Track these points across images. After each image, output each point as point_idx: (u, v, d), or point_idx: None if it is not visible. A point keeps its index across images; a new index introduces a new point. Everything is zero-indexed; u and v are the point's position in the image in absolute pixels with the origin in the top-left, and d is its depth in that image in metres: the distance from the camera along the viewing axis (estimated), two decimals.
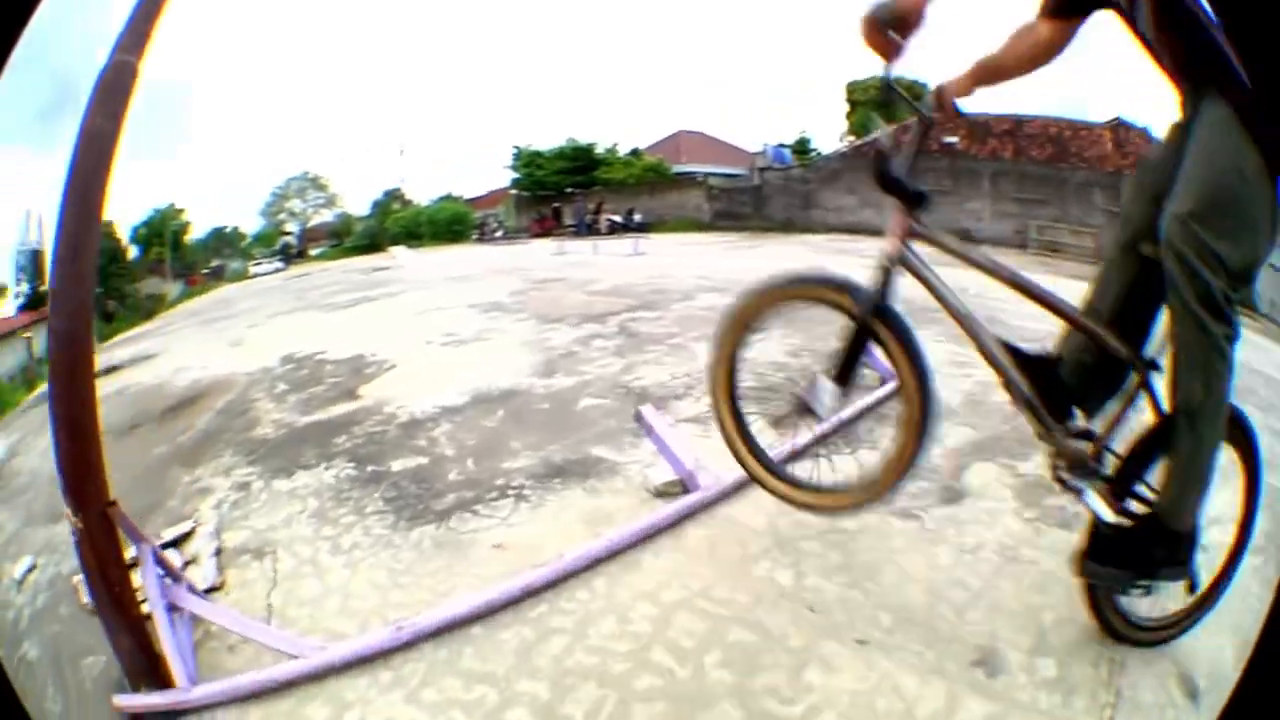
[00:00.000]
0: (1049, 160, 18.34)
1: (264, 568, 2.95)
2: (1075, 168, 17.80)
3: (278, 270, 34.31)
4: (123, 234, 33.28)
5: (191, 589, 2.63)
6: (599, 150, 29.28)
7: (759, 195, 23.12)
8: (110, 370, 9.63)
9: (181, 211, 40.21)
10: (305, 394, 5.15)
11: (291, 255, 46.23)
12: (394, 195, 46.56)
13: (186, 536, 3.28)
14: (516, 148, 29.85)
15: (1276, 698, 1.21)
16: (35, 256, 28.63)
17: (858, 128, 25.67)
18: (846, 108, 27.46)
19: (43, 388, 13.19)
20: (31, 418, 8.01)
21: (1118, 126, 18.67)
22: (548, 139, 29.75)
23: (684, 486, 3.08)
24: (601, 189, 27.74)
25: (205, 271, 42.18)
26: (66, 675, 2.55)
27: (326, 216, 52.11)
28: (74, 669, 2.55)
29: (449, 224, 31.65)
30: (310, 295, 12.54)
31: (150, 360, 9.60)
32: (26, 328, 25.78)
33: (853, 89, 27.13)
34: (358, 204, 52.33)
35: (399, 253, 26.97)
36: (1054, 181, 17.40)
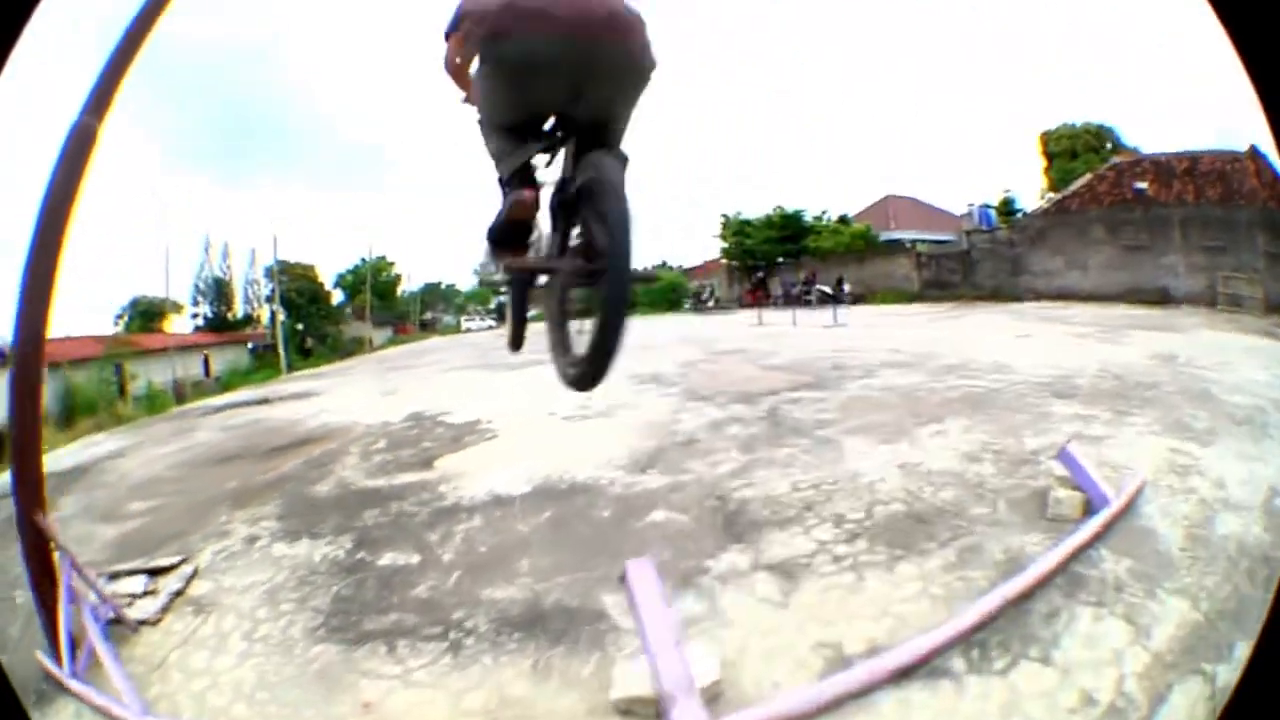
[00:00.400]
0: (1220, 200, 16.61)
1: (191, 623, 3.00)
2: (1240, 206, 16.20)
3: (489, 327, 38.46)
4: (325, 279, 40.23)
5: (107, 614, 3.01)
6: (807, 218, 30.13)
7: (967, 262, 23.01)
8: (261, 401, 10.65)
9: (392, 264, 46.61)
10: (392, 455, 5.05)
11: (505, 314, 51.02)
12: None
13: (167, 569, 3.51)
14: (724, 216, 31.57)
15: (1277, 697, 1.21)
16: (218, 284, 34.68)
17: (1057, 182, 24.43)
18: (1043, 161, 26.16)
19: (195, 403, 15.02)
20: (161, 429, 8.87)
21: (1254, 156, 16.60)
22: (759, 206, 30.85)
23: (657, 711, 2.06)
24: (810, 258, 28.57)
25: (420, 321, 48.15)
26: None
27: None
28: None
29: (664, 292, 32.42)
30: (493, 354, 12.82)
31: (305, 398, 10.06)
32: (205, 346, 31.22)
33: (1047, 139, 25.79)
34: None
35: None
36: (1228, 225, 15.68)
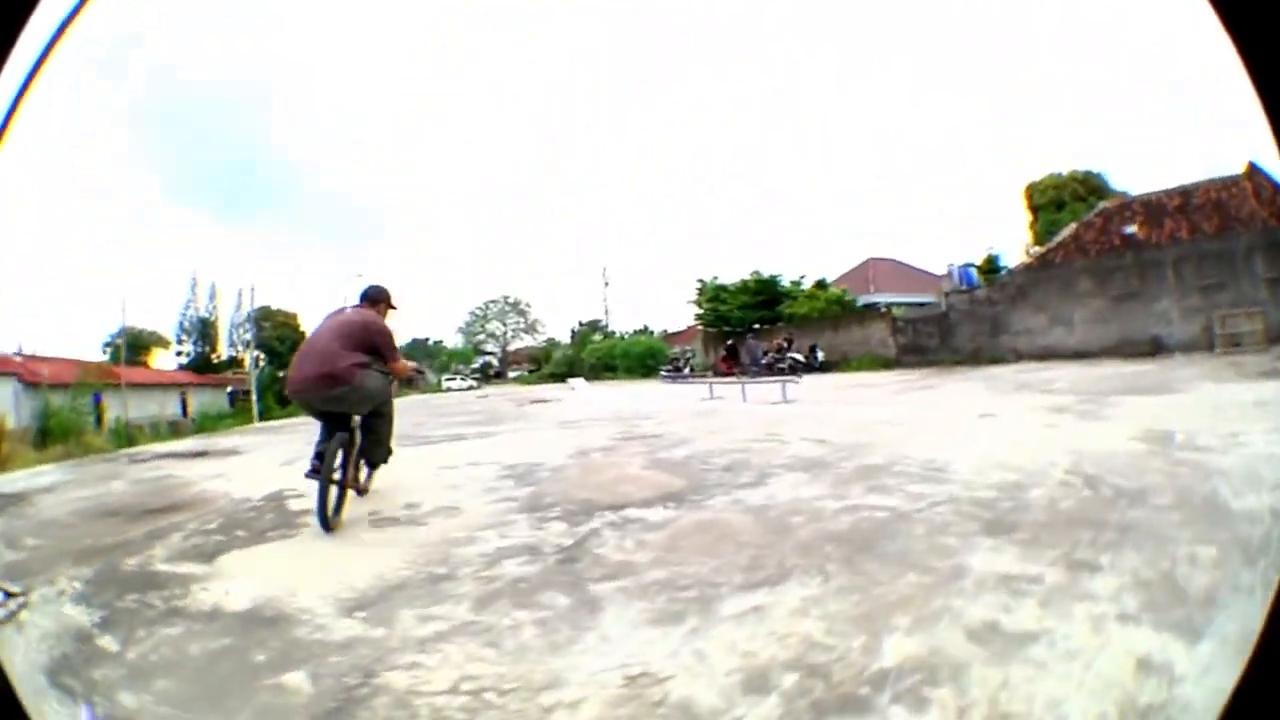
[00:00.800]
0: (1218, 231, 15.47)
1: None
2: (1238, 233, 14.98)
3: (470, 388, 38.13)
4: (309, 328, 39.06)
5: None
6: (784, 283, 29.24)
7: (945, 325, 21.71)
8: (198, 454, 10.61)
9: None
10: (205, 539, 4.53)
11: (490, 375, 51.10)
12: (594, 326, 50.42)
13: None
14: (700, 281, 30.87)
15: (1277, 697, 1.23)
16: (203, 325, 34.32)
17: (1041, 235, 23.43)
18: (1028, 216, 25.25)
19: (145, 446, 15.12)
20: (96, 470, 9.10)
21: (1253, 174, 15.46)
22: (740, 271, 30.22)
23: None
24: (786, 324, 27.53)
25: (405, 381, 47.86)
26: None
27: (528, 340, 57.87)
28: None
29: (641, 358, 32.49)
30: (431, 423, 13.01)
31: (225, 456, 9.98)
32: (184, 385, 30.81)
33: (1032, 191, 24.95)
34: (558, 330, 57.79)
35: (577, 384, 28.53)
36: (1225, 257, 14.49)
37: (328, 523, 4.43)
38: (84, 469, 9.59)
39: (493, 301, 59.08)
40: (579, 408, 15.01)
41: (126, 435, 21.13)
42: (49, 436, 18.54)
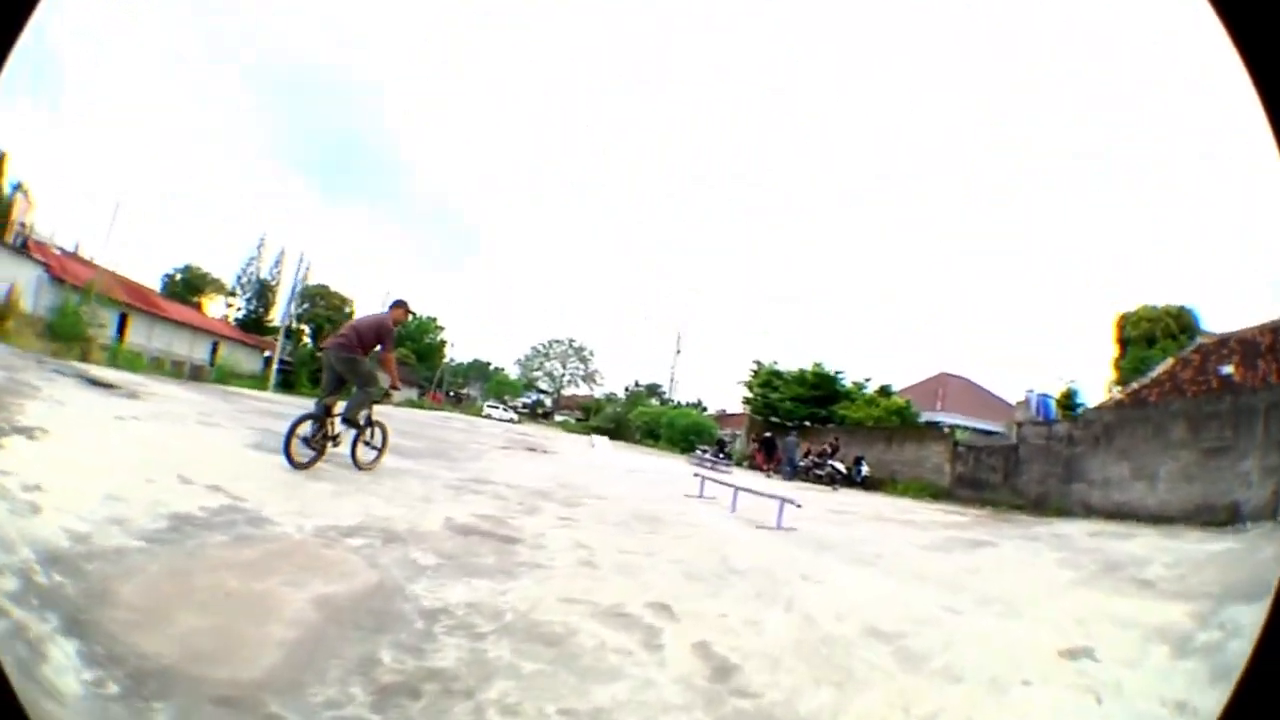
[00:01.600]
0: None
1: None
2: None
3: (510, 420, 37.21)
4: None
5: None
6: (844, 382, 26.37)
7: (1013, 458, 18.17)
8: (134, 395, 10.16)
9: (441, 329, 45.95)
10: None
11: (538, 413, 49.92)
12: (652, 389, 48.84)
13: None
14: (757, 363, 28.61)
15: (1277, 697, 1.24)
16: (262, 286, 34.28)
17: (1127, 371, 19.54)
18: (1115, 349, 21.36)
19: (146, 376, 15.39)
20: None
21: None
22: (802, 362, 27.87)
23: None
24: (836, 427, 24.57)
25: (454, 393, 47.29)
26: None
27: (584, 389, 56.49)
28: None
29: (686, 431, 31.09)
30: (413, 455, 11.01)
31: (163, 402, 10.08)
32: (222, 336, 31.04)
33: (1124, 321, 21.14)
34: (617, 385, 56.12)
35: (598, 442, 27.42)
36: None
37: (290, 455, 6.40)
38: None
39: (557, 342, 58.76)
40: (554, 466, 13.43)
41: (129, 359, 21.39)
42: (55, 333, 18.92)
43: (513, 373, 58.95)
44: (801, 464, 24.11)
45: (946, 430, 21.16)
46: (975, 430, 22.58)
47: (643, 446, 31.48)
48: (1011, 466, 18.14)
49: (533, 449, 18.17)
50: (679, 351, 55.12)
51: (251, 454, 7.22)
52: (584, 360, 57.86)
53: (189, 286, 33.58)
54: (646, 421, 35.11)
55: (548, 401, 55.41)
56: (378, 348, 7.11)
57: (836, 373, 26.58)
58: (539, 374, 58.41)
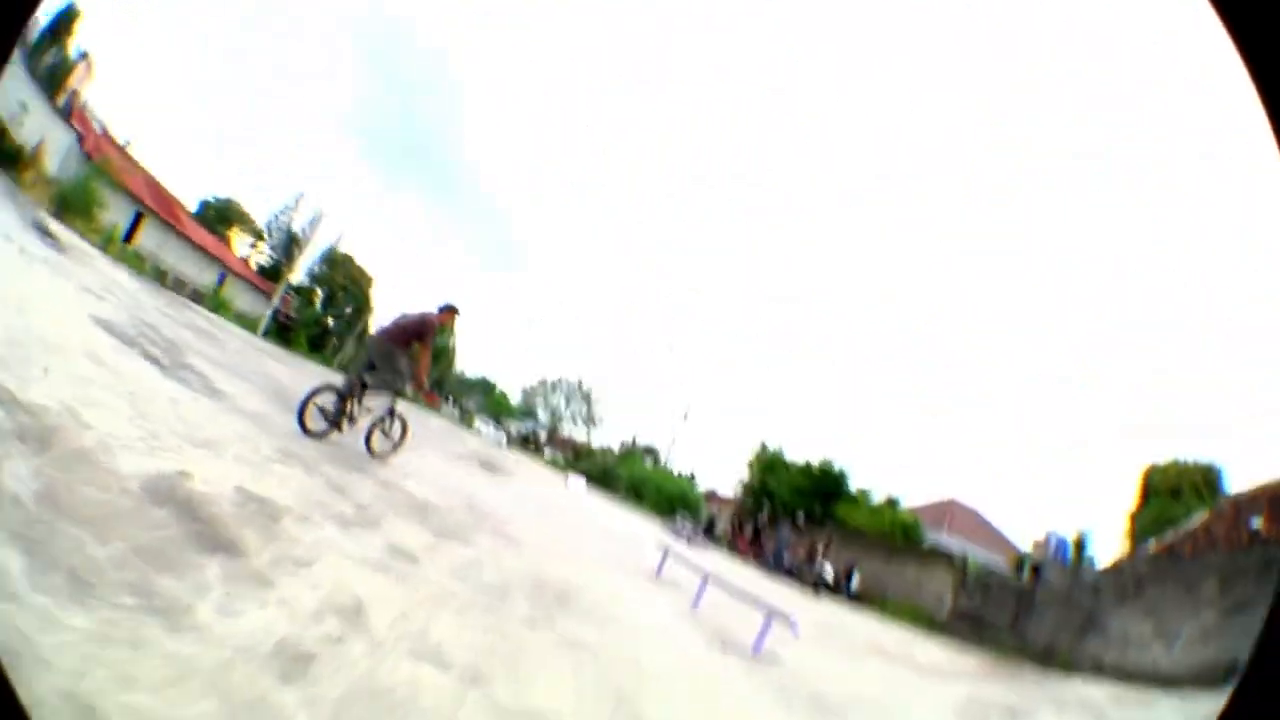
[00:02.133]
0: None
1: None
2: None
3: (496, 441, 36.58)
4: (374, 296, 37.93)
5: None
6: (850, 484, 25.04)
7: (1025, 601, 16.72)
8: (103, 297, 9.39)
9: (452, 333, 45.59)
10: None
11: (529, 443, 49.05)
12: (648, 450, 47.93)
13: None
14: (762, 444, 27.40)
15: (1277, 697, 1.28)
16: (289, 238, 33.95)
17: (1147, 523, 18.17)
18: (1136, 501, 20.02)
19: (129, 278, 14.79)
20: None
21: None
22: (809, 455, 26.70)
23: None
24: (833, 528, 23.15)
25: (449, 398, 46.79)
26: None
27: (581, 430, 55.80)
28: None
29: (670, 497, 30.04)
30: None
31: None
32: (231, 271, 30.32)
33: (1151, 474, 19.93)
34: (611, 436, 55.54)
35: (574, 483, 26.57)
36: None
37: (304, 421, 6.52)
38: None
39: (566, 380, 58.48)
40: (494, 489, 11.39)
41: (131, 258, 21.53)
42: (64, 201, 19.09)
43: (515, 398, 59.11)
44: (787, 563, 22.72)
45: (957, 558, 19.64)
46: (985, 564, 21.03)
47: (624, 503, 30.26)
48: (1023, 609, 16.65)
49: (492, 467, 16.58)
50: (685, 418, 54.28)
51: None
52: (588, 402, 57.28)
53: (221, 217, 33.41)
54: (634, 478, 33.97)
55: (542, 434, 54.61)
56: (416, 343, 7.32)
57: (843, 471, 25.34)
58: (540, 405, 58.00)
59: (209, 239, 29.67)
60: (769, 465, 26.46)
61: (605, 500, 25.66)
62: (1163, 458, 20.66)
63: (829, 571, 21.45)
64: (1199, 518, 14.86)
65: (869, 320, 73.60)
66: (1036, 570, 17.89)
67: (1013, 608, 17.00)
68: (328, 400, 6.73)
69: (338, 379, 7.53)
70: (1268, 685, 1.29)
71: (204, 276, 27.41)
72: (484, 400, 54.42)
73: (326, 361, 26.93)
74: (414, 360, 7.29)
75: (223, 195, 34.69)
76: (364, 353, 7.62)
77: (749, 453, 28.44)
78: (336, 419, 6.78)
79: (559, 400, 57.44)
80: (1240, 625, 11.26)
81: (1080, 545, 19.56)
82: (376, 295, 36.69)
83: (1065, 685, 12.64)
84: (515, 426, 49.57)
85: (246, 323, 25.19)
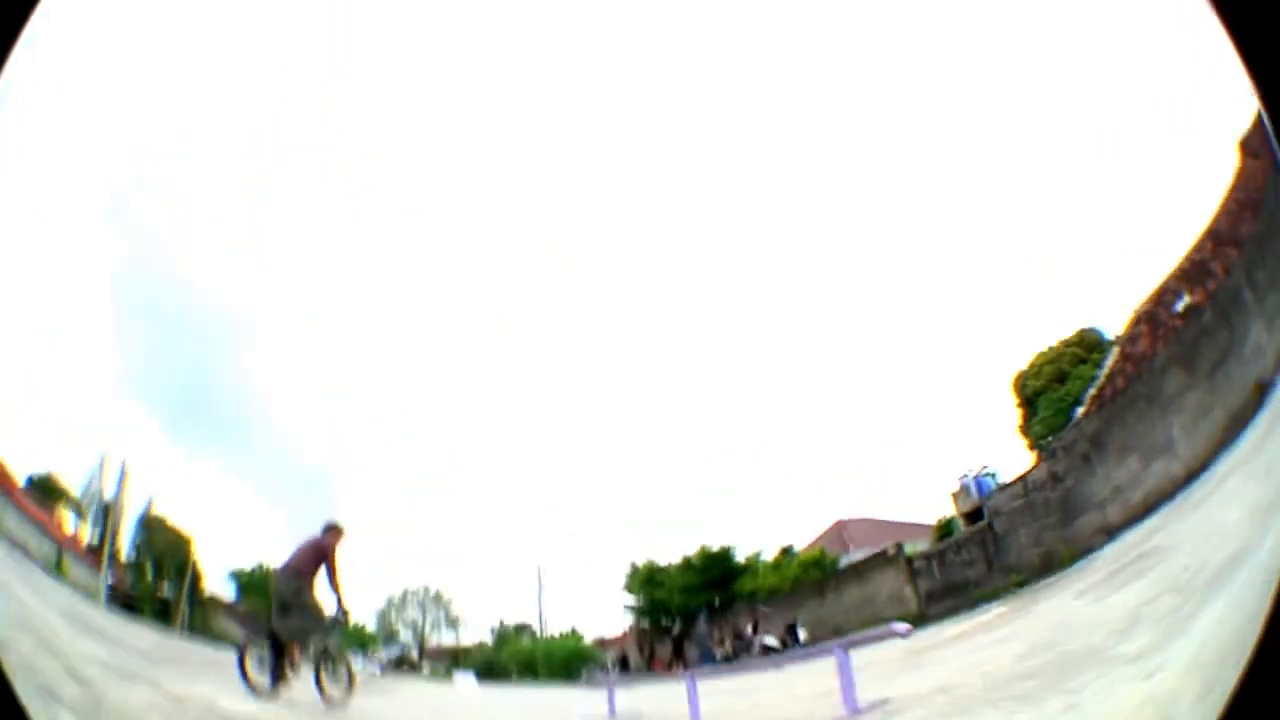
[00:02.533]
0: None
1: None
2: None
3: (371, 674, 31.44)
4: (209, 562, 33.77)
5: None
6: (738, 556, 23.91)
7: (989, 540, 16.78)
8: None
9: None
10: None
11: (404, 664, 42.55)
12: (520, 629, 44.41)
13: None
14: (632, 564, 25.20)
15: (1277, 697, 1.28)
16: (105, 511, 29.00)
17: (1049, 420, 19.66)
18: (1020, 414, 21.63)
19: None
20: None
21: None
22: (681, 550, 25.15)
23: None
24: (748, 604, 21.60)
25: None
26: None
27: (449, 634, 50.10)
28: None
29: (565, 661, 28.37)
30: None
31: None
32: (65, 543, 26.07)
33: (1022, 380, 21.71)
34: (480, 630, 51.22)
35: (463, 683, 25.66)
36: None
37: (248, 681, 6.53)
38: None
39: (413, 591, 51.63)
40: None
41: None
42: None
43: (372, 625, 51.41)
44: (719, 654, 20.56)
45: (892, 551, 19.29)
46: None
47: (521, 682, 29.57)
48: (992, 547, 16.69)
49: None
50: (541, 588, 50.90)
51: None
52: (444, 606, 50.88)
53: (44, 492, 28.90)
54: (521, 659, 32.75)
55: (414, 653, 47.54)
56: (322, 567, 7.39)
57: (725, 548, 24.13)
58: (399, 625, 50.34)
59: (41, 514, 25.86)
60: (647, 580, 24.43)
61: (501, 689, 23.67)
62: (1018, 362, 21.97)
63: (772, 639, 19.86)
64: (1110, 364, 16.57)
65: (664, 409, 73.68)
66: (975, 514, 18.25)
67: (981, 553, 16.95)
68: (260, 651, 6.87)
69: (256, 630, 8.21)
70: (1268, 684, 1.28)
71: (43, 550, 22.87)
72: (342, 639, 45.59)
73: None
74: (332, 587, 7.48)
75: (41, 470, 28.91)
76: (275, 599, 7.53)
77: (622, 579, 26.16)
78: (279, 673, 6.81)
79: (415, 614, 50.99)
80: (1231, 369, 11.96)
81: (993, 479, 20.01)
82: (200, 553, 32.60)
83: (1064, 584, 12.58)
84: (384, 654, 43.37)
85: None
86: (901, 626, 6.05)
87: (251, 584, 38.20)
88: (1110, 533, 13.70)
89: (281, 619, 7.00)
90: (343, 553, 7.53)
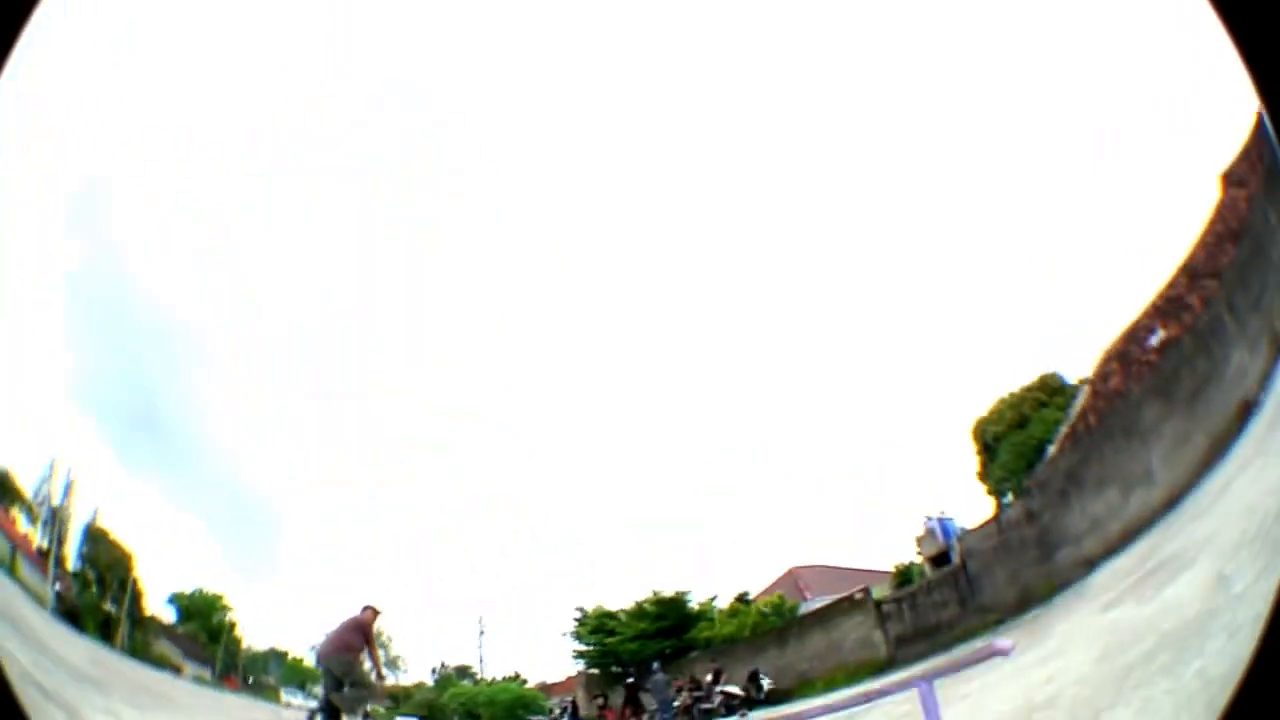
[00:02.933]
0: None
1: None
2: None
3: (310, 712, 28.00)
4: (150, 581, 31.31)
5: None
6: (691, 604, 23.29)
7: (963, 580, 16.99)
8: None
9: (228, 608, 38.67)
10: None
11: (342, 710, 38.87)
12: (462, 671, 41.17)
13: None
14: (580, 610, 24.09)
15: (1277, 697, 1.31)
16: (53, 515, 26.76)
17: (1010, 465, 20.03)
18: (978, 460, 21.90)
19: None
20: None
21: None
22: (632, 595, 24.26)
23: None
24: (705, 653, 21.00)
25: (252, 680, 38.25)
26: None
27: (389, 677, 46.10)
28: None
29: (509, 707, 28.45)
30: None
31: None
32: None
33: (982, 427, 22.01)
34: (420, 670, 47.91)
35: None
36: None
37: None
38: None
39: None
40: None
41: None
42: None
43: (311, 659, 46.46)
44: (677, 703, 19.73)
45: (858, 596, 19.22)
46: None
47: None
48: (966, 588, 16.89)
49: None
50: (482, 633, 47.72)
51: None
52: (383, 647, 46.01)
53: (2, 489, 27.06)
54: (463, 703, 31.88)
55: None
56: (366, 647, 8.81)
57: (680, 594, 23.49)
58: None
59: None
60: (598, 626, 23.41)
61: None
62: (975, 412, 22.16)
63: (735, 689, 19.30)
64: (1080, 402, 17.17)
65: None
66: (940, 558, 18.51)
67: (954, 594, 17.10)
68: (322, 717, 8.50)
69: (316, 704, 9.55)
70: (1268, 684, 1.30)
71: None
72: (281, 671, 42.92)
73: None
74: (372, 661, 9.00)
75: None
76: (325, 676, 8.87)
77: (570, 624, 24.89)
78: None
79: None
80: (1211, 395, 12.34)
81: (952, 522, 20.23)
82: (141, 571, 29.90)
83: (1046, 622, 12.93)
84: (320, 692, 38.72)
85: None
86: (1005, 643, 4.94)
87: (192, 608, 36.55)
88: (1090, 564, 14.12)
89: (338, 692, 8.41)
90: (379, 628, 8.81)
